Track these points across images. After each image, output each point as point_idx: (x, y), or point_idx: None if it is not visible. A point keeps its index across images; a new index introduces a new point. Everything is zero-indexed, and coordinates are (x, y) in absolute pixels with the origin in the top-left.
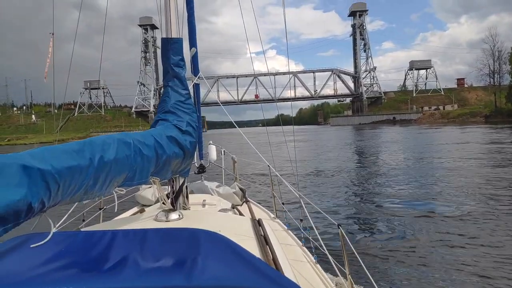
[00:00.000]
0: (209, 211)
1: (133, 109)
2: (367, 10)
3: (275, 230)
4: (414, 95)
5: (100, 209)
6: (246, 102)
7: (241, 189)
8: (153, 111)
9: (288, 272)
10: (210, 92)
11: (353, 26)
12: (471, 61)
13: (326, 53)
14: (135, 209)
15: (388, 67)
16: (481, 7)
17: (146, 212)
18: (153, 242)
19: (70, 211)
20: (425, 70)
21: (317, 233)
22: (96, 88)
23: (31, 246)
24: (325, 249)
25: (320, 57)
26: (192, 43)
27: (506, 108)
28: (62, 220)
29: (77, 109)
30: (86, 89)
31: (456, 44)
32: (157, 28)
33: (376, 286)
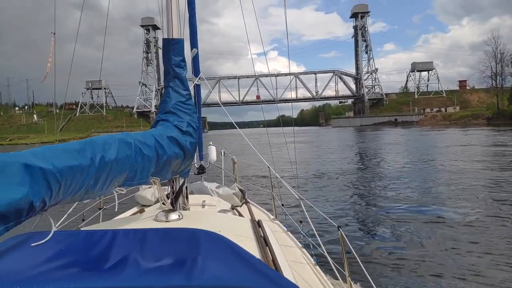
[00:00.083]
0: (209, 211)
1: (135, 110)
2: (369, 11)
3: (275, 232)
4: (416, 96)
5: (100, 209)
6: (247, 103)
7: (240, 190)
8: (155, 111)
9: (287, 274)
10: (212, 93)
11: (355, 27)
12: (473, 63)
13: (328, 54)
14: (135, 209)
15: (390, 69)
16: (483, 9)
17: (146, 212)
18: (153, 242)
19: (70, 211)
20: (427, 72)
21: (317, 235)
22: (97, 88)
23: (32, 244)
24: (325, 251)
25: (322, 58)
26: (193, 44)
27: (508, 110)
28: (62, 219)
29: (78, 109)
30: (87, 89)
31: (458, 46)
32: (159, 28)
33: None
